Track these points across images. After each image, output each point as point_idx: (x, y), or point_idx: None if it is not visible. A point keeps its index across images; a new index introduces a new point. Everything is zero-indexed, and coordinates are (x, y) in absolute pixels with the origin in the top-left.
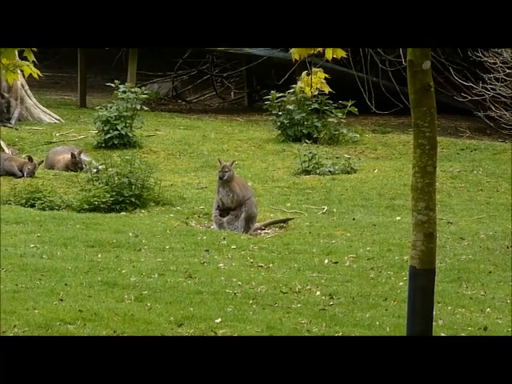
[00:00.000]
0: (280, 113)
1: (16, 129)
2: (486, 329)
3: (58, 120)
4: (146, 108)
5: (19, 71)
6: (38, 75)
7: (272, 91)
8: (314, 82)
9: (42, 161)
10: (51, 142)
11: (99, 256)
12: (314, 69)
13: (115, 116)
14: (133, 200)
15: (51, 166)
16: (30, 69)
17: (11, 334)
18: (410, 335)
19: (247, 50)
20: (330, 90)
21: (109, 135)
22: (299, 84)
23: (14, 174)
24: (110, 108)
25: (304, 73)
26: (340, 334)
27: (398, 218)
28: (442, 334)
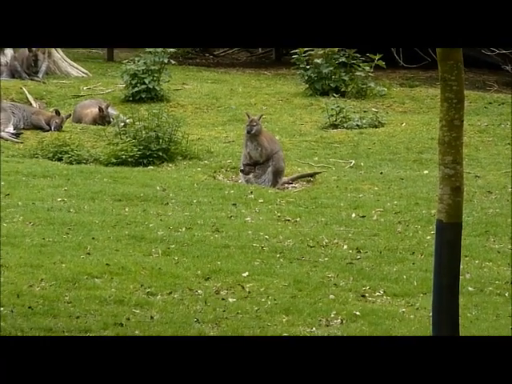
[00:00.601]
0: (307, 67)
1: (43, 82)
2: None
3: (86, 74)
4: (173, 62)
5: None
6: None
7: None
8: None
9: (70, 114)
10: (78, 96)
11: (126, 210)
12: None
13: (143, 70)
14: (160, 154)
15: (79, 120)
16: None
17: (38, 288)
18: (436, 289)
19: None
20: None
21: (136, 89)
22: None
23: (41, 128)
24: (138, 62)
25: None
26: (367, 288)
27: (426, 171)
28: (470, 288)
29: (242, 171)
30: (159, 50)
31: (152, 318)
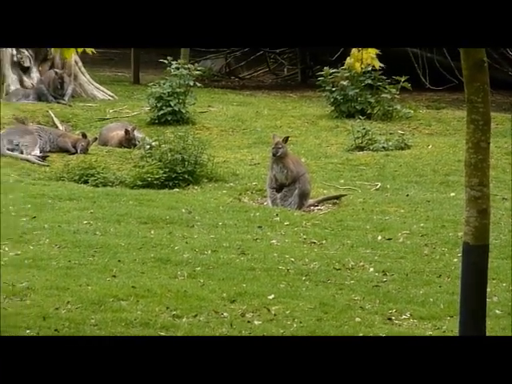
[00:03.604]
0: (333, 89)
1: (70, 105)
2: None
3: (112, 96)
4: (199, 84)
5: None
6: (91, 51)
7: (325, 67)
8: (365, 57)
9: (96, 138)
10: (105, 119)
11: (152, 232)
12: None
13: (168, 92)
14: (186, 176)
15: (105, 143)
16: None
17: (64, 311)
18: (463, 312)
19: None
20: (381, 65)
21: (162, 111)
22: (349, 60)
23: (67, 151)
24: (164, 84)
25: (354, 49)
26: (393, 311)
27: (453, 194)
28: (497, 311)
29: (268, 194)
30: (184, 72)
31: None
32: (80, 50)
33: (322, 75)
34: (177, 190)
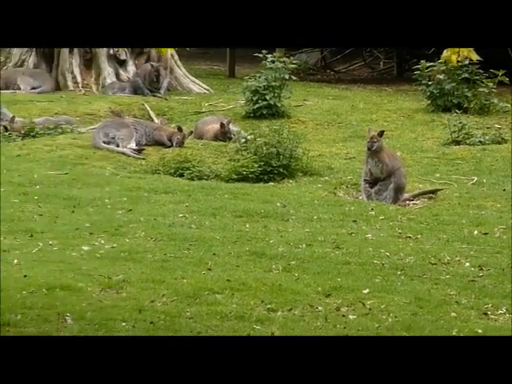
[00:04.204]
0: (430, 82)
1: (165, 99)
2: None
3: (207, 90)
4: (294, 78)
5: None
6: None
7: (422, 61)
8: (462, 50)
9: (191, 131)
10: (200, 112)
11: (247, 226)
12: None
13: (264, 86)
14: (281, 170)
15: (200, 136)
16: None
17: (160, 304)
18: None
19: None
20: (478, 57)
21: (257, 105)
22: (445, 53)
23: (163, 144)
24: (259, 78)
25: None
26: (489, 306)
27: None
28: None
29: (363, 188)
30: (280, 66)
31: (273, 334)
32: None
33: (418, 69)
34: (272, 183)
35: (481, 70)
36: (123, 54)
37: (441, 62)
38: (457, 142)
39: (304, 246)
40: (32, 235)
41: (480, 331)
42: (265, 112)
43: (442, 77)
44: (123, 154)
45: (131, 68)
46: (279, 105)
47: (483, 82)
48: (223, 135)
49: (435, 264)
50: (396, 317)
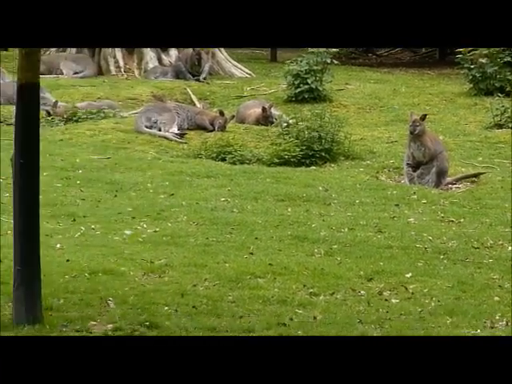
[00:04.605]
0: (472, 66)
1: (207, 83)
2: None
3: (249, 74)
4: (336, 62)
5: None
6: None
7: None
8: None
9: (233, 115)
10: (242, 96)
11: (289, 210)
12: None
13: (305, 70)
14: (323, 154)
15: (242, 120)
16: None
17: (202, 288)
18: None
19: None
20: None
21: (299, 89)
22: None
23: (205, 128)
24: (301, 62)
25: None
26: None
27: None
28: None
29: (405, 171)
30: (322, 50)
31: (315, 318)
32: None
33: (460, 52)
34: (313, 167)
35: None
36: None
37: None
38: (499, 126)
39: (346, 230)
40: (74, 219)
41: None
42: (306, 96)
43: (484, 60)
44: (165, 138)
45: (173, 53)
46: (321, 89)
47: None
48: (265, 119)
49: (478, 248)
50: (439, 301)
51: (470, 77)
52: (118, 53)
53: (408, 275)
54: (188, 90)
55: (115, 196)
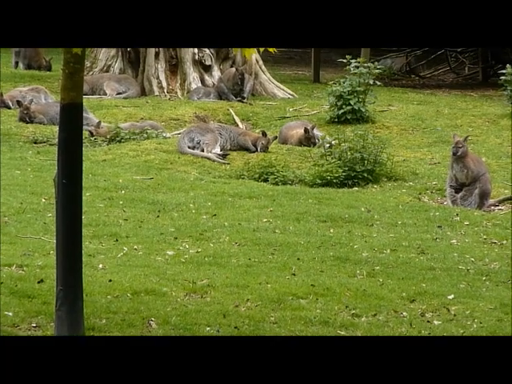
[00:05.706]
0: None
1: (250, 104)
2: None
3: (292, 95)
4: (379, 83)
5: None
6: (273, 51)
7: (507, 65)
8: None
9: (276, 136)
10: (284, 117)
11: (331, 231)
12: None
13: (348, 91)
14: (365, 175)
15: (284, 141)
16: None
17: (244, 308)
18: None
19: None
20: None
21: (342, 110)
22: None
23: (247, 149)
24: (344, 83)
25: None
26: None
27: None
28: None
29: (448, 193)
30: (364, 71)
31: None
32: (261, 49)
33: (503, 74)
34: (356, 188)
35: None
36: (208, 59)
37: None
38: None
39: (388, 251)
40: (117, 240)
41: None
42: (349, 117)
43: None
44: (208, 158)
45: (216, 73)
46: (363, 110)
47: None
48: (307, 140)
49: None
50: (481, 323)
51: None
52: (162, 73)
53: (450, 297)
54: (231, 110)
55: (157, 216)
